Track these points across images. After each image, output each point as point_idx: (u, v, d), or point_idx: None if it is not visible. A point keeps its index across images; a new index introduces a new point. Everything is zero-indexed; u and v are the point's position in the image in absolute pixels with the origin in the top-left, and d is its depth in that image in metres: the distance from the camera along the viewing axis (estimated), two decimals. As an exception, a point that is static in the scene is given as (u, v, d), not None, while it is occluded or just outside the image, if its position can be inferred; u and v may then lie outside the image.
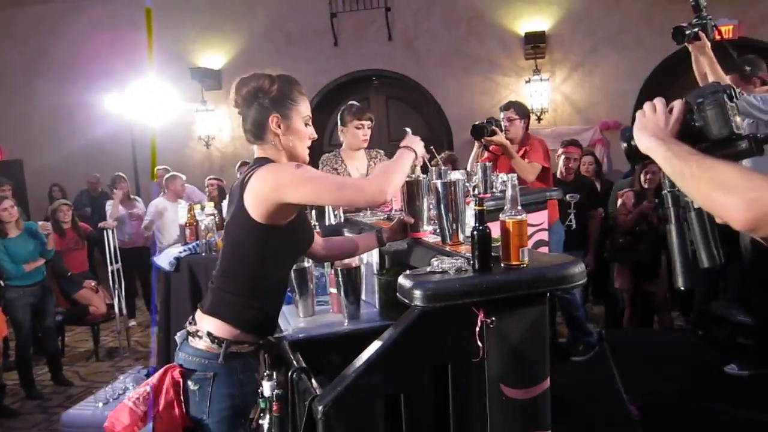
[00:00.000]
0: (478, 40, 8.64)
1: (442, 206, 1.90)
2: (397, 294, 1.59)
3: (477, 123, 3.85)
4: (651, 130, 1.25)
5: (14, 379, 5.18)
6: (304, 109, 1.96)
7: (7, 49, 10.18)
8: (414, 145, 2.05)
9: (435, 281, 1.53)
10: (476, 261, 1.57)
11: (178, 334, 2.02)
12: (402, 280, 1.57)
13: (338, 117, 3.52)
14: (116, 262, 6.06)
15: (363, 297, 2.43)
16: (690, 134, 1.22)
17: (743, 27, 7.63)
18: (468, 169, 3.57)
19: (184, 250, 2.99)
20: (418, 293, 1.51)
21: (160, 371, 1.91)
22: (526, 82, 8.37)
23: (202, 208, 3.22)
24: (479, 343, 1.56)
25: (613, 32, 8.14)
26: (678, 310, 5.64)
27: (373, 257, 2.45)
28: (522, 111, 4.23)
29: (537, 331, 1.63)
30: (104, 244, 6.14)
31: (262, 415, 1.87)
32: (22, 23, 10.12)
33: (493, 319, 1.56)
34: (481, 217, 1.57)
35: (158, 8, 8.70)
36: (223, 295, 1.93)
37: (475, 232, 1.56)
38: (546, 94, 8.33)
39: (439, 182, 1.89)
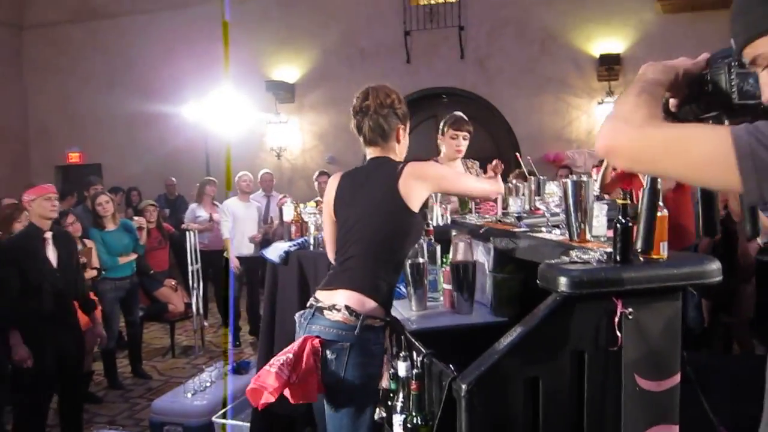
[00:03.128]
0: (551, 60, 8.67)
1: (571, 205, 1.96)
2: (538, 281, 1.66)
3: None
4: (645, 67, 1.19)
5: (98, 369, 5.40)
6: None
7: (92, 58, 10.69)
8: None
9: (580, 270, 1.59)
10: (618, 253, 1.62)
11: (298, 314, 2.20)
12: (545, 269, 1.64)
13: (440, 126, 3.70)
14: (196, 262, 6.28)
15: (471, 295, 2.49)
16: (708, 101, 1.13)
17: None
18: (597, 191, 3.52)
19: (294, 245, 3.15)
20: (563, 280, 1.57)
21: (299, 341, 2.04)
22: (599, 103, 8.36)
23: (304, 206, 3.40)
24: (618, 333, 1.61)
25: (689, 56, 8.01)
26: (758, 337, 5.51)
27: (483, 256, 2.52)
28: None
29: (671, 325, 1.67)
30: (183, 246, 6.39)
31: (392, 396, 1.96)
32: (107, 34, 10.61)
33: (631, 310, 1.61)
34: (625, 210, 1.62)
35: (235, 22, 9.04)
36: (363, 272, 2.13)
37: (618, 225, 1.61)
38: (619, 115, 8.26)
39: (569, 181, 1.96)
